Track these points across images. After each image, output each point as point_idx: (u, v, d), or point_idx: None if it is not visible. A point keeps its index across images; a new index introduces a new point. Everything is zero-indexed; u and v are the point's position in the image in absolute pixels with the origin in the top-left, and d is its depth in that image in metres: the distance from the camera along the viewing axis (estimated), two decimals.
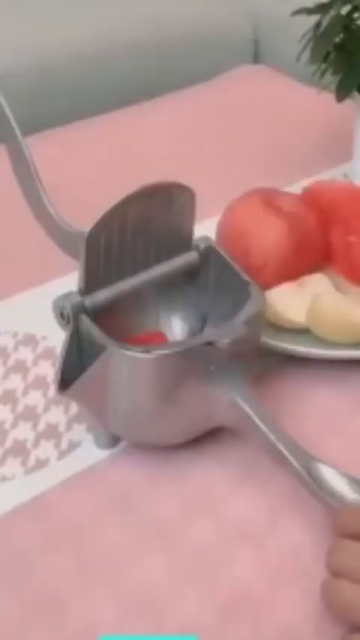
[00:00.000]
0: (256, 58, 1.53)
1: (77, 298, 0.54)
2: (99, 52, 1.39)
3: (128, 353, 0.51)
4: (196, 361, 0.52)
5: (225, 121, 1.05)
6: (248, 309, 0.55)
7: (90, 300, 0.55)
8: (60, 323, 0.55)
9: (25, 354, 0.68)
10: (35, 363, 0.67)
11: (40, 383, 0.65)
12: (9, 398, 0.63)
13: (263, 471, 0.56)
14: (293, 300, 0.63)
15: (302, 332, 0.64)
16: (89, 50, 1.38)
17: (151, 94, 1.14)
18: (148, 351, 0.51)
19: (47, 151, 0.97)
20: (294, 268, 0.64)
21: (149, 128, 1.03)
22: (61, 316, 0.54)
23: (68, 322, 0.54)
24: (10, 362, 0.67)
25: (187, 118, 1.06)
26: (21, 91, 1.31)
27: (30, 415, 0.62)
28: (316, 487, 0.50)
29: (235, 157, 0.95)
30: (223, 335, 0.52)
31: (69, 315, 0.54)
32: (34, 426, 0.61)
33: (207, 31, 1.48)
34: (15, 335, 0.69)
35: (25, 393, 0.64)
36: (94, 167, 0.94)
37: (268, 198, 0.65)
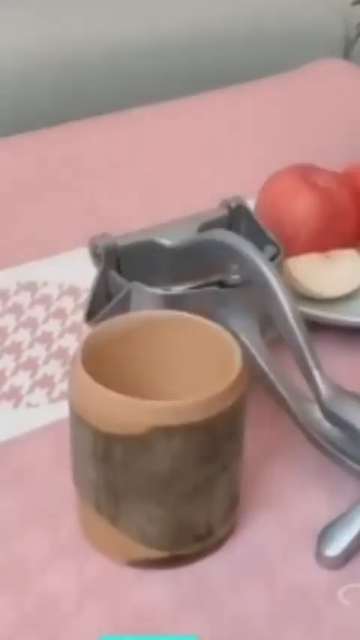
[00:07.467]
0: (346, 57, 1.50)
1: (111, 240, 0.58)
2: (106, 53, 1.40)
3: (149, 289, 0.55)
4: (208, 302, 0.55)
5: (296, 116, 1.03)
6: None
7: (123, 242, 0.58)
8: (93, 261, 0.59)
9: (67, 302, 0.72)
10: (74, 312, 0.71)
11: (75, 328, 0.69)
12: (45, 338, 0.68)
13: None
14: (314, 270, 0.66)
15: (322, 301, 0.67)
16: (97, 51, 1.39)
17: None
18: (167, 289, 0.54)
19: (67, 145, 0.99)
20: (325, 240, 0.67)
21: (214, 120, 1.03)
22: (95, 255, 0.59)
23: (100, 261, 0.58)
24: (53, 309, 0.71)
25: (253, 112, 1.05)
26: (41, 87, 1.32)
27: (61, 355, 0.66)
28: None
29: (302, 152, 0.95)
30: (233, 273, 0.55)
31: (101, 254, 0.58)
32: (63, 364, 0.65)
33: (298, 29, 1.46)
34: (60, 286, 0.74)
35: (60, 335, 0.68)
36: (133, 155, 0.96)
37: (305, 174, 0.68)
